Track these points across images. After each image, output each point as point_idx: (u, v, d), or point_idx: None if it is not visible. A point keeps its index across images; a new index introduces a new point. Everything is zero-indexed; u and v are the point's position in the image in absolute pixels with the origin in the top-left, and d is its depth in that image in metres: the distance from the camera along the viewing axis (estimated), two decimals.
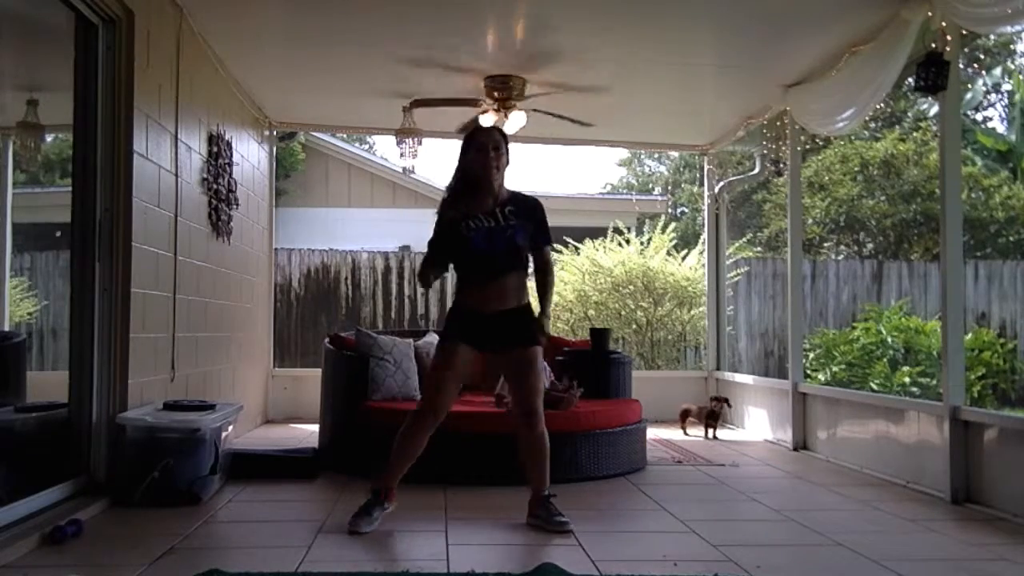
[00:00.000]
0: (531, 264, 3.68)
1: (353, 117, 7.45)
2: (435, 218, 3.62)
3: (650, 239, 9.15)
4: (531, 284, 3.71)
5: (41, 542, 3.12)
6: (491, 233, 3.51)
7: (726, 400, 6.68)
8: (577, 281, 8.82)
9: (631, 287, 8.73)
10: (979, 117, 17.79)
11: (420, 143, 6.60)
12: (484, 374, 5.70)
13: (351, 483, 4.46)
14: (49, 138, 6.36)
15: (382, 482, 3.55)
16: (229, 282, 5.89)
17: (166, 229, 4.51)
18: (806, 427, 5.90)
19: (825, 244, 14.53)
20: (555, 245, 3.77)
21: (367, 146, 18.10)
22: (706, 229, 8.05)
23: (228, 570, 2.81)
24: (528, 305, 3.64)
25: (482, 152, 3.54)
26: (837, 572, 3.04)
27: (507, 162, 3.60)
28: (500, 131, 3.67)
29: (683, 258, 8.96)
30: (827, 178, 13.72)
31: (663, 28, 5.12)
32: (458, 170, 3.60)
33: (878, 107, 5.20)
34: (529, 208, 3.62)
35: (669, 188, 19.67)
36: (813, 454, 5.70)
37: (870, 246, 14.41)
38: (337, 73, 6.06)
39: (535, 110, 6.13)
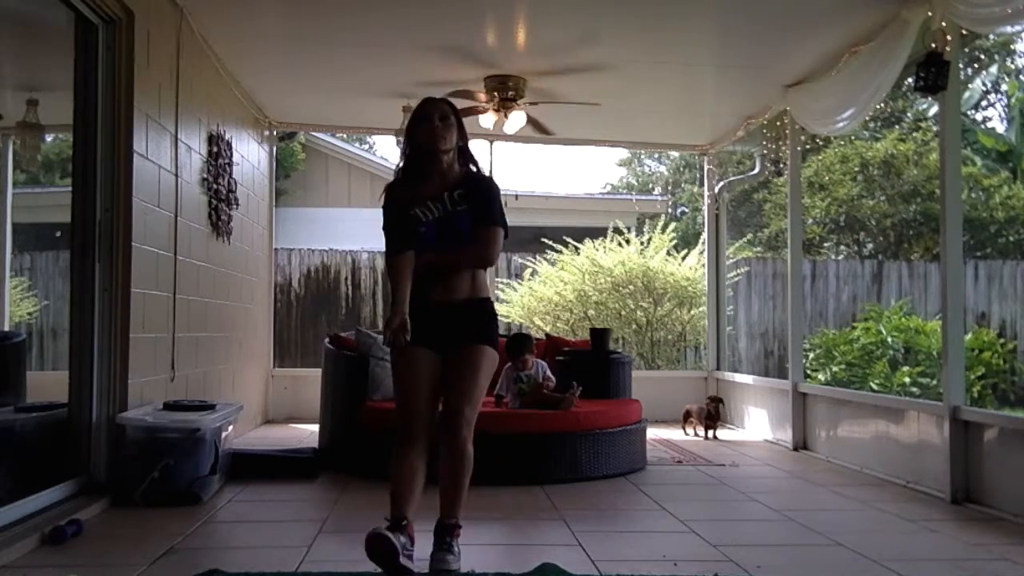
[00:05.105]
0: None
1: (353, 117, 7.45)
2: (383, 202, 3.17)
3: (650, 239, 9.14)
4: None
5: (41, 542, 3.12)
6: (440, 224, 3.06)
7: (720, 400, 6.69)
8: (577, 281, 8.82)
9: (631, 287, 8.72)
10: (979, 117, 17.80)
11: None
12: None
13: (351, 483, 4.46)
14: (49, 138, 6.36)
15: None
16: (229, 282, 5.89)
17: (166, 229, 4.51)
18: (806, 427, 5.90)
19: (825, 244, 14.53)
20: (507, 228, 3.18)
21: (367, 146, 18.10)
22: (706, 229, 8.05)
23: (228, 570, 2.81)
24: (486, 299, 3.19)
25: (427, 122, 3.07)
26: (837, 572, 3.04)
27: (459, 138, 3.12)
28: (448, 102, 3.19)
29: (683, 258, 8.96)
30: (827, 178, 13.71)
31: (663, 28, 5.12)
32: (404, 150, 3.17)
33: (878, 107, 5.20)
34: (482, 189, 3.14)
35: (669, 188, 19.66)
36: (813, 454, 5.70)
37: (870, 246, 14.41)
38: (337, 73, 6.06)
39: (534, 102, 6.12)
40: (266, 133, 7.17)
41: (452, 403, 3.04)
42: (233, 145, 5.87)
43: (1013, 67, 17.28)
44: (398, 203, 3.12)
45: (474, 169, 3.19)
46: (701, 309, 8.43)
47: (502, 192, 3.27)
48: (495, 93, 5.93)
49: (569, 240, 9.20)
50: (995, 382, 9.00)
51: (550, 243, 9.24)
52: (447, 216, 3.06)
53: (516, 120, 6.14)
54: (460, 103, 6.02)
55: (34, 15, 4.49)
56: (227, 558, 2.99)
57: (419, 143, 3.09)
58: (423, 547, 3.00)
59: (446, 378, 3.09)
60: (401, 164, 3.20)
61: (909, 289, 10.21)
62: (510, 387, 4.94)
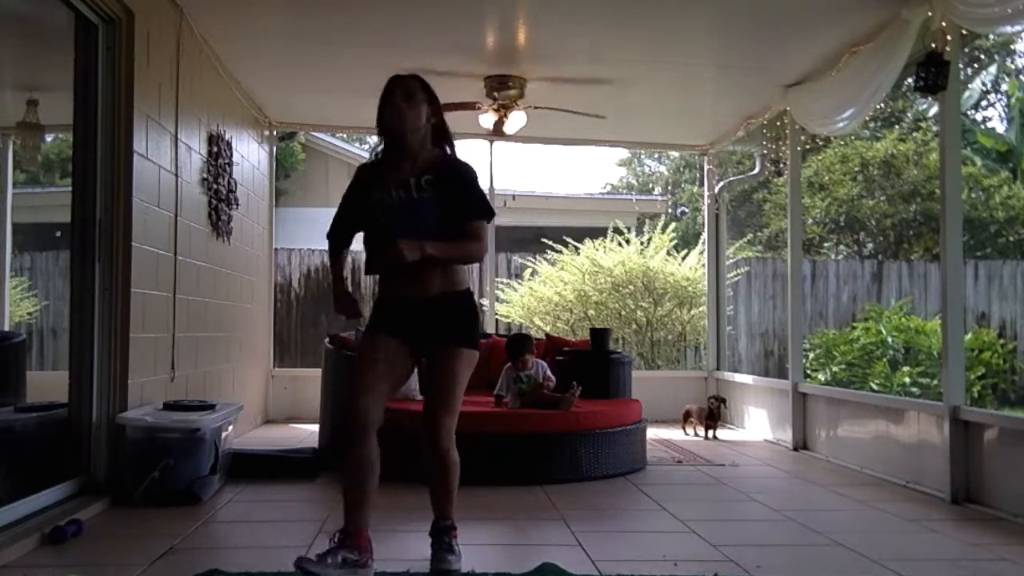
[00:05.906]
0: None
1: (353, 117, 7.44)
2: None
3: (650, 239, 9.14)
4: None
5: (41, 542, 3.12)
6: (399, 211, 2.83)
7: (723, 400, 6.69)
8: (577, 281, 8.82)
9: (631, 287, 8.72)
10: (979, 117, 17.80)
11: None
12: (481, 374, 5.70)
13: None
14: (49, 138, 6.37)
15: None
16: (229, 282, 5.89)
17: (166, 229, 4.51)
18: (806, 427, 5.90)
19: (825, 244, 14.53)
20: (485, 216, 2.94)
21: (367, 146, 18.10)
22: (706, 229, 8.05)
23: (228, 570, 2.81)
24: (463, 293, 2.95)
25: (390, 103, 2.90)
26: (837, 572, 3.04)
27: (431, 115, 2.94)
28: (416, 77, 3.00)
29: (683, 258, 8.96)
30: (827, 178, 13.73)
31: (663, 28, 5.12)
32: (377, 131, 2.98)
33: (878, 107, 5.21)
34: (455, 176, 2.91)
35: (669, 188, 19.66)
36: (813, 454, 5.70)
37: (870, 246, 14.42)
38: (337, 73, 6.05)
39: (537, 107, 6.12)
40: (266, 133, 7.17)
41: (431, 412, 2.87)
42: (233, 145, 5.87)
43: (1013, 67, 17.28)
44: (362, 184, 2.95)
45: (449, 151, 2.98)
46: (701, 309, 8.43)
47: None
48: (495, 93, 5.92)
49: (569, 240, 9.20)
50: (995, 382, 9.01)
51: (550, 243, 9.23)
52: (409, 203, 2.82)
53: (516, 120, 6.13)
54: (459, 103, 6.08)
55: (34, 15, 4.49)
56: (227, 558, 2.99)
57: (386, 125, 2.90)
58: (423, 548, 3.00)
59: (423, 381, 2.95)
60: (379, 147, 3.01)
61: (909, 289, 10.21)
62: (510, 387, 4.94)
